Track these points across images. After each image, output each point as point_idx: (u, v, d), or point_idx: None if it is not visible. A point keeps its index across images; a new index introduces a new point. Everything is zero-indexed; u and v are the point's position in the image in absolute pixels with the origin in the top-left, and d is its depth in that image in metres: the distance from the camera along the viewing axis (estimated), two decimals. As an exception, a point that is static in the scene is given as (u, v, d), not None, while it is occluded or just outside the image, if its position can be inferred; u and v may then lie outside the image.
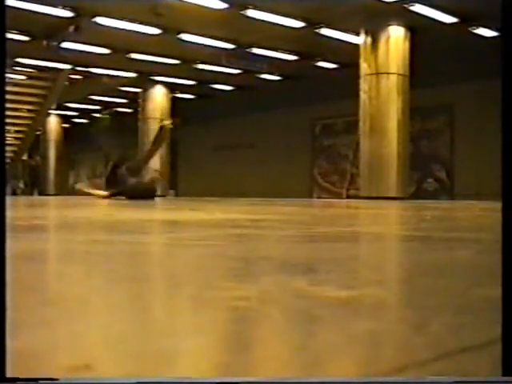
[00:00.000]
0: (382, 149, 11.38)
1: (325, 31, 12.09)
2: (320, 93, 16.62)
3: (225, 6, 10.60)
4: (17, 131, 16.72)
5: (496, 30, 11.37)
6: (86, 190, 11.50)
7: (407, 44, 11.67)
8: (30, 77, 15.82)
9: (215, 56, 13.81)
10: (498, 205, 0.73)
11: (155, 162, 17.54)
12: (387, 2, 10.34)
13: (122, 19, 11.56)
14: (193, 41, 12.87)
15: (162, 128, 10.28)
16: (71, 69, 15.49)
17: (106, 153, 10.33)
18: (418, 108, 13.33)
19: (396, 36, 11.52)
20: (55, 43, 12.75)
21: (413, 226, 3.33)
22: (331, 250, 1.64)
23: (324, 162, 17.99)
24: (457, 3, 10.50)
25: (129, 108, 20.85)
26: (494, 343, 0.57)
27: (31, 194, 23.10)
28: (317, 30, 12.02)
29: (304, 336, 0.62)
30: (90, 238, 2.01)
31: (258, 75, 15.94)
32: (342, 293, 0.86)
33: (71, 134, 24.70)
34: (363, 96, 11.61)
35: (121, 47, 13.65)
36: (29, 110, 16.37)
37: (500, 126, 0.70)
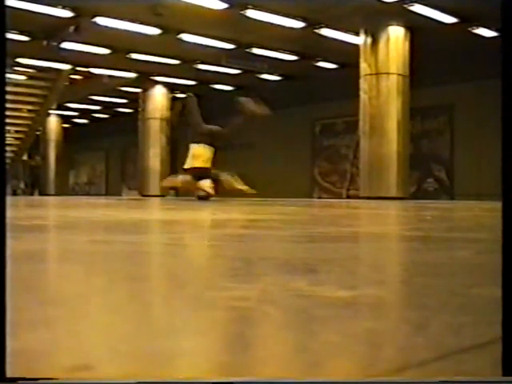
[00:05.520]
0: (382, 149, 11.37)
1: (325, 31, 12.08)
2: (320, 93, 16.61)
3: (225, 5, 10.59)
4: (17, 131, 16.70)
5: (496, 30, 11.36)
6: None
7: (407, 44, 11.67)
8: (30, 77, 15.80)
9: (215, 56, 13.81)
10: (498, 205, 0.73)
11: (155, 162, 17.57)
12: (387, 2, 10.33)
13: (122, 19, 11.55)
14: (193, 41, 12.86)
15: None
16: (71, 69, 15.49)
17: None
18: (418, 108, 13.32)
19: (396, 36, 11.52)
20: (55, 43, 12.73)
21: (413, 226, 3.33)
22: (331, 250, 1.64)
23: (324, 162, 17.97)
24: (457, 3, 10.49)
25: (129, 108, 20.86)
26: (494, 343, 0.57)
27: (31, 194, 23.09)
28: (317, 30, 12.02)
29: (303, 336, 0.62)
30: (88, 238, 2.01)
31: (258, 75, 15.93)
32: (342, 293, 0.86)
33: (71, 133, 24.69)
34: (363, 96, 11.60)
35: (121, 47, 13.64)
36: (29, 110, 16.36)
37: (500, 125, 0.70)
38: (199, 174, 8.22)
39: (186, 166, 8.45)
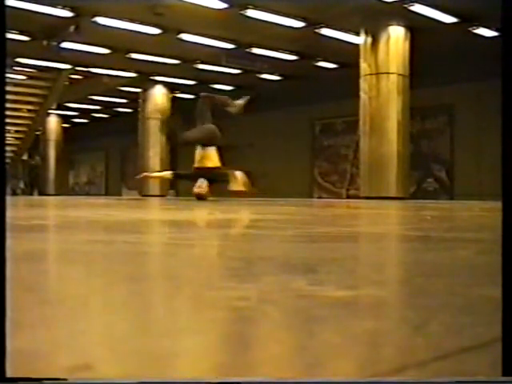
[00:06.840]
0: (381, 149, 11.37)
1: (325, 31, 12.09)
2: (320, 93, 16.61)
3: (225, 5, 10.59)
4: (17, 131, 16.70)
5: (496, 30, 11.36)
6: (151, 175, 11.60)
7: (407, 44, 11.67)
8: (30, 77, 15.80)
9: (215, 56, 13.81)
10: (498, 205, 0.73)
11: (155, 163, 17.56)
12: (387, 2, 10.33)
13: (121, 19, 11.56)
14: (193, 41, 12.86)
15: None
16: (71, 69, 15.49)
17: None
18: (418, 108, 13.32)
19: (396, 36, 11.52)
20: (55, 43, 12.74)
21: (413, 225, 3.33)
22: (331, 250, 1.64)
23: (324, 162, 17.98)
24: (457, 3, 10.49)
25: (129, 108, 20.85)
26: (494, 343, 0.57)
27: (31, 193, 23.08)
28: (317, 30, 12.02)
29: (303, 335, 0.62)
30: (88, 238, 2.01)
31: (258, 75, 15.94)
32: (342, 293, 0.86)
33: (71, 133, 24.69)
34: (363, 96, 11.61)
35: (121, 47, 13.65)
36: (29, 110, 16.36)
37: (500, 126, 0.70)
38: (210, 174, 8.34)
39: (196, 165, 8.53)
